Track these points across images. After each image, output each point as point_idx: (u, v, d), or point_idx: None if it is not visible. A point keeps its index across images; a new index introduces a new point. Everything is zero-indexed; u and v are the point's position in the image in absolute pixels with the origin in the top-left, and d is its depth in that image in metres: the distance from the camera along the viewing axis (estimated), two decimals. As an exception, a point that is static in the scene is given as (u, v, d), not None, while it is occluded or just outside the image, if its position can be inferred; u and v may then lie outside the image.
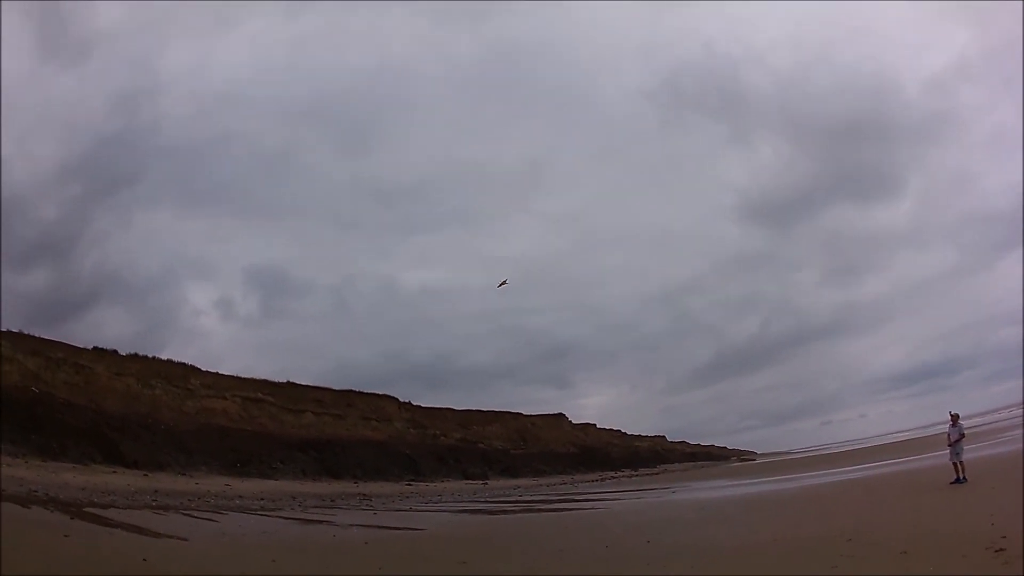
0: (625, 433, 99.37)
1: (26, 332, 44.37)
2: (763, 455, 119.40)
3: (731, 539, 15.51)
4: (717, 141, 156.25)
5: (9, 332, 42.81)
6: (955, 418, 22.05)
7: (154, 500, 28.18)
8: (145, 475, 36.61)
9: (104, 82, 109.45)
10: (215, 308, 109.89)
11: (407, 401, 70.65)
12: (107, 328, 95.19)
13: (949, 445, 21.72)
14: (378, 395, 67.58)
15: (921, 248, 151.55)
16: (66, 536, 16.02)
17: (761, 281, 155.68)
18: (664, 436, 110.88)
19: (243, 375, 57.35)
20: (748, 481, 41.74)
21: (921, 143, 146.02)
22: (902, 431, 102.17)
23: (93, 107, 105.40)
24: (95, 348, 48.78)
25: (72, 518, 19.63)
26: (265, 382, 58.10)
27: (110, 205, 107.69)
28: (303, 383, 61.56)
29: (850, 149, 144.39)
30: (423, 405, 72.23)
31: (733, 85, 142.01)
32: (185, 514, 24.57)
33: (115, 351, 50.03)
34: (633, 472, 79.67)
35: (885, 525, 14.60)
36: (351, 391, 65.17)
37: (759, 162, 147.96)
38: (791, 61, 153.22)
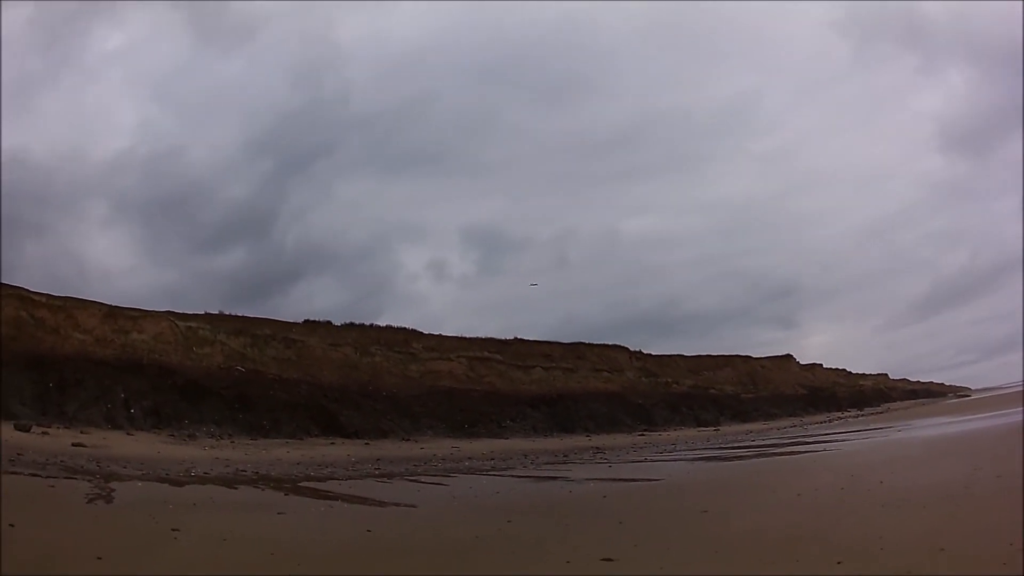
0: (850, 372, 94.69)
1: (226, 313, 44.66)
2: (977, 390, 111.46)
3: (957, 477, 14.58)
4: (907, 71, 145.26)
5: (208, 314, 43.22)
6: None
7: (377, 468, 27.23)
8: (367, 444, 35.91)
9: (276, 60, 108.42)
10: (432, 271, 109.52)
11: (637, 350, 67.79)
12: (317, 302, 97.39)
13: None
14: (608, 346, 64.85)
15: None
16: (280, 514, 15.27)
17: (965, 211, 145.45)
18: (887, 374, 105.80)
19: (467, 335, 56.16)
20: (967, 417, 38.59)
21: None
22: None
23: (269, 85, 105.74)
24: (306, 321, 48.76)
25: (286, 494, 19.06)
26: (491, 340, 56.60)
27: (306, 178, 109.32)
28: (530, 339, 59.73)
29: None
30: (653, 353, 69.37)
31: (912, 13, 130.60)
32: (411, 480, 23.59)
33: (328, 322, 49.94)
34: (859, 412, 74.85)
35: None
36: (581, 343, 62.74)
37: (949, 90, 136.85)
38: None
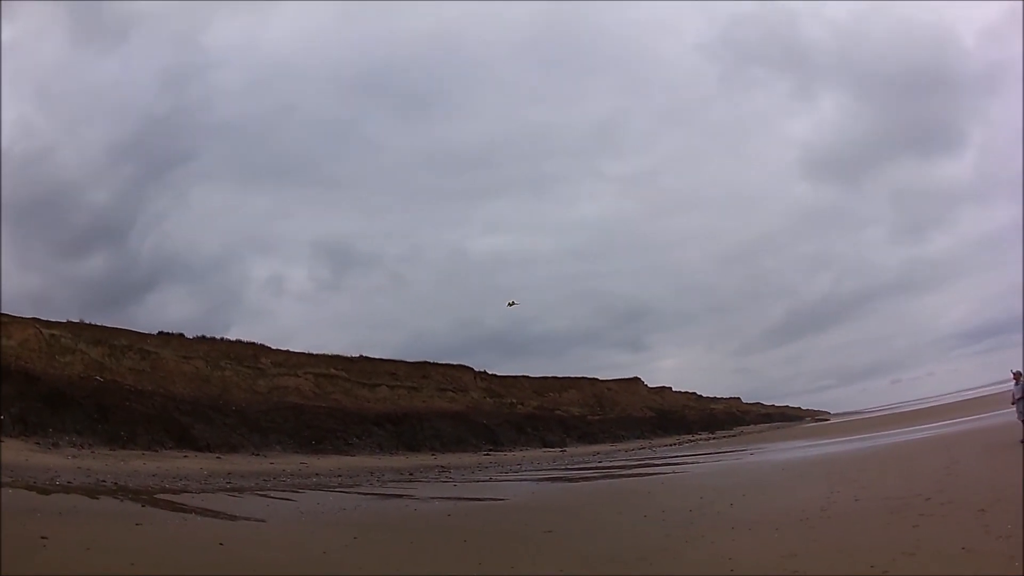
0: (700, 396, 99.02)
1: (86, 321, 44.65)
2: (836, 415, 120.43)
3: (814, 500, 15.64)
4: (779, 96, 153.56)
5: (70, 322, 43.07)
6: (1017, 376, 21.82)
7: (228, 483, 28.27)
8: (218, 458, 36.82)
9: (148, 62, 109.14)
10: (282, 285, 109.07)
11: (483, 370, 70.00)
12: (170, 311, 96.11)
13: (1013, 403, 21.87)
14: (453, 365, 66.84)
15: (984, 202, 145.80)
16: (138, 525, 15.81)
17: (831, 238, 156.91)
18: (739, 398, 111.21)
19: (315, 351, 56.97)
20: (825, 441, 42.22)
21: (982, 95, 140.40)
22: (969, 389, 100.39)
23: (140, 87, 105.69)
24: (160, 333, 48.87)
25: (144, 506, 19.71)
26: (337, 357, 57.61)
27: (165, 184, 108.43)
28: (376, 357, 61.12)
29: (911, 102, 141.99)
30: (499, 374, 71.73)
31: (791, 37, 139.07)
32: (261, 495, 24.53)
33: (181, 335, 50.10)
34: (710, 435, 79.68)
35: (961, 484, 14.91)
36: (426, 362, 64.51)
37: (822, 117, 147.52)
38: (848, 11, 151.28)
